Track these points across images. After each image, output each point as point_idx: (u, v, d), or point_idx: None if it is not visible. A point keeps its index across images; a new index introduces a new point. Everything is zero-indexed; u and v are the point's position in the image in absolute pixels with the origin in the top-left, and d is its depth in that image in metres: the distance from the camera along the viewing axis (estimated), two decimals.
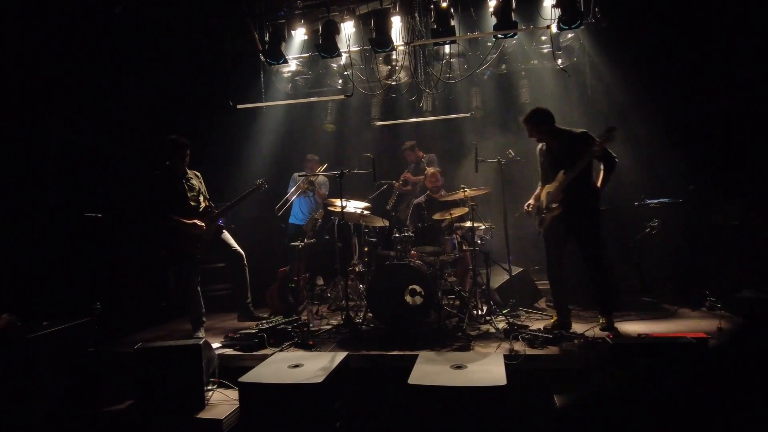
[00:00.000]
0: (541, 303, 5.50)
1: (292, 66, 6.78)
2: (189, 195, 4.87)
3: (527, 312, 5.10)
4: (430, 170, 6.06)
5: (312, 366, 3.54)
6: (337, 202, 5.21)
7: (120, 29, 5.82)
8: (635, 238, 5.46)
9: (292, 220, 6.79)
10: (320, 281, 6.82)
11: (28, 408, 3.89)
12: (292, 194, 6.50)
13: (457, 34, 5.43)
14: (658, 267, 5.50)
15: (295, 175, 6.77)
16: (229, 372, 3.87)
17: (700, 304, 4.97)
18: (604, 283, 4.29)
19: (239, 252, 5.12)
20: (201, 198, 4.98)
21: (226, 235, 5.11)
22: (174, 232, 4.76)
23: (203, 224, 4.81)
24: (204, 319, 4.94)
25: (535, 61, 6.93)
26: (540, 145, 4.58)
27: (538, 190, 4.64)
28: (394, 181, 6.80)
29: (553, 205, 4.34)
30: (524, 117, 4.47)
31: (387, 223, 5.53)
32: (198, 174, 5.09)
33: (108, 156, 6.14)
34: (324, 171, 6.40)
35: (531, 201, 4.68)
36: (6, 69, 5.05)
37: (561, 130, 4.38)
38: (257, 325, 4.61)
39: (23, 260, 5.12)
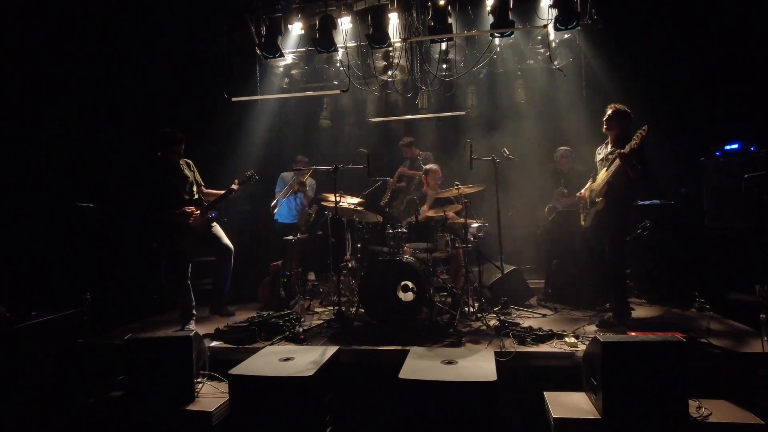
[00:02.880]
0: (532, 301, 5.53)
1: (288, 60, 6.76)
2: (181, 187, 4.85)
3: (518, 310, 5.13)
4: (432, 167, 6.06)
5: (303, 360, 3.54)
6: (331, 197, 5.20)
7: (115, 20, 5.77)
8: (626, 238, 5.50)
9: (277, 217, 6.78)
10: (312, 276, 6.81)
11: (16, 397, 3.87)
12: (285, 193, 6.51)
13: (454, 32, 5.44)
14: (648, 268, 5.55)
15: (283, 174, 6.75)
16: (219, 365, 3.85)
17: (690, 305, 5.02)
18: (620, 280, 4.50)
19: (228, 246, 5.11)
20: (194, 188, 4.97)
21: (217, 229, 5.11)
22: (164, 226, 4.74)
23: (193, 208, 4.79)
24: (194, 312, 4.92)
25: (531, 61, 6.96)
26: (603, 145, 4.73)
27: (588, 185, 4.84)
28: (388, 178, 6.80)
29: (597, 200, 4.55)
30: (618, 110, 4.51)
31: (381, 219, 5.54)
32: (189, 162, 5.05)
33: (101, 147, 6.10)
34: (317, 167, 6.38)
35: (583, 192, 4.84)
36: None
37: (627, 136, 4.45)
38: (248, 319, 4.60)
39: (13, 250, 5.08)
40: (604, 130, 4.62)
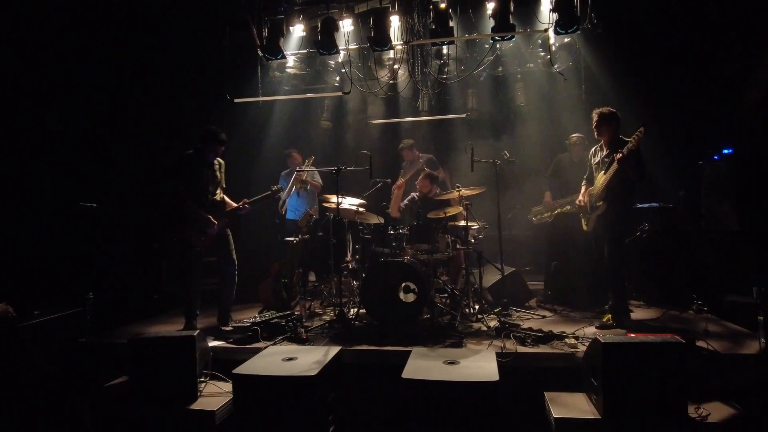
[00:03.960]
0: (532, 303, 5.57)
1: (290, 62, 6.79)
2: (210, 185, 4.87)
3: (518, 311, 5.16)
4: (425, 172, 6.08)
5: (306, 359, 3.57)
6: (333, 198, 5.23)
7: (119, 20, 5.80)
8: (625, 241, 5.54)
9: (290, 216, 6.79)
10: (312, 277, 6.83)
11: (18, 395, 3.89)
12: (288, 192, 6.51)
13: (455, 35, 5.48)
14: (646, 270, 5.60)
15: (284, 173, 6.78)
16: (222, 364, 3.88)
17: (687, 307, 5.07)
18: (619, 282, 4.56)
19: (233, 258, 5.01)
20: (219, 190, 4.99)
21: (230, 237, 5.06)
22: (181, 219, 4.73)
23: (215, 222, 4.79)
24: (198, 311, 4.94)
25: (531, 64, 7.00)
26: (594, 148, 4.85)
27: (583, 190, 4.92)
28: (388, 180, 6.79)
29: (598, 204, 4.61)
30: (603, 114, 4.57)
31: (382, 221, 5.57)
32: (222, 163, 5.04)
33: (104, 147, 6.11)
34: (320, 167, 6.41)
35: (581, 198, 4.90)
36: (1, 58, 5.02)
37: (621, 139, 4.52)
38: (251, 318, 4.63)
39: (16, 249, 5.09)
40: (595, 136, 4.72)
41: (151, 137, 6.01)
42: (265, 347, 4.08)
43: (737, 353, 3.74)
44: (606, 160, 4.58)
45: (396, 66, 6.50)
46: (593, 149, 4.89)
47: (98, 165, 5.99)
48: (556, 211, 5.90)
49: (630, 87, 6.26)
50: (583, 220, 4.92)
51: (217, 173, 4.96)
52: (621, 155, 4.24)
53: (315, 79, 7.31)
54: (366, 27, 5.65)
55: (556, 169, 6.05)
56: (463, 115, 7.40)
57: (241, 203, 5.00)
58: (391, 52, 6.34)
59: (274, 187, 5.18)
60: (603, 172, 4.57)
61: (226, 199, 5.06)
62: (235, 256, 5.01)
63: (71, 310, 4.53)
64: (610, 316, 4.56)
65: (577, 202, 4.98)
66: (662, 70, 6.21)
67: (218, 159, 4.97)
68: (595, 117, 4.61)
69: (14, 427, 3.89)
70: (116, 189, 6.01)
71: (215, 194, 4.93)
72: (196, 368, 3.65)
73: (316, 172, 6.65)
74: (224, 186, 5.08)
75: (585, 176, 4.98)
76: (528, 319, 4.95)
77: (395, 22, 5.69)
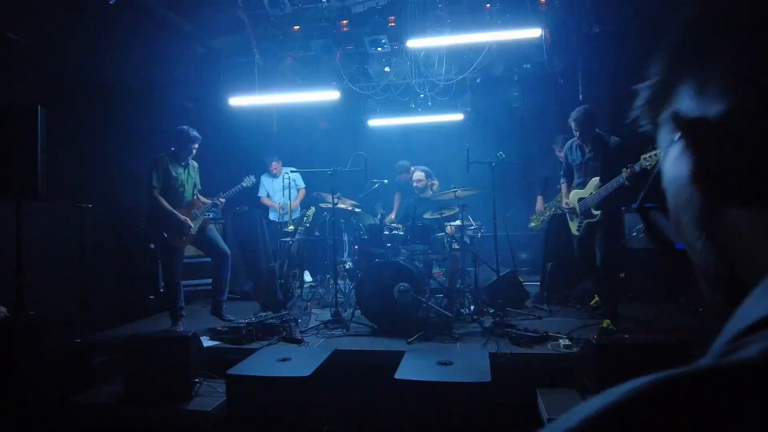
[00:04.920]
0: (528, 303, 5.57)
1: (287, 62, 6.79)
2: (185, 185, 4.91)
3: (513, 311, 5.16)
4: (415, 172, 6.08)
5: (300, 360, 3.58)
6: (329, 198, 5.25)
7: (113, 19, 5.79)
8: (621, 242, 5.54)
9: (272, 216, 6.81)
10: (308, 277, 6.84)
11: (14, 395, 3.89)
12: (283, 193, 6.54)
13: (452, 36, 5.49)
14: (642, 270, 5.61)
15: (263, 177, 6.82)
16: (216, 365, 3.88)
17: (683, 306, 5.08)
18: (613, 284, 4.54)
19: (224, 251, 5.06)
20: (193, 190, 5.00)
21: (213, 232, 5.09)
22: (158, 220, 4.77)
23: (191, 224, 4.83)
24: (183, 313, 4.95)
25: (528, 65, 7.00)
26: (569, 143, 4.68)
27: (564, 189, 4.76)
28: (385, 180, 6.78)
29: (596, 212, 4.40)
30: (578, 119, 4.41)
31: (378, 221, 5.58)
32: (196, 165, 5.09)
33: (100, 147, 6.11)
34: (317, 168, 6.40)
35: (567, 200, 4.71)
36: None
37: (599, 134, 4.44)
38: (246, 320, 4.63)
39: (11, 248, 5.08)
40: (578, 139, 4.55)
41: (147, 137, 6.01)
42: (260, 348, 4.09)
43: None
44: (595, 163, 4.42)
45: (393, 66, 6.52)
46: (569, 144, 4.69)
47: (94, 165, 5.98)
48: (548, 213, 5.92)
49: (626, 87, 6.24)
50: (571, 223, 4.72)
51: (191, 172, 4.99)
52: (631, 170, 3.97)
53: (312, 80, 7.30)
54: (363, 28, 5.67)
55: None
56: (460, 116, 7.40)
57: (216, 198, 5.04)
58: (389, 52, 6.35)
59: (246, 178, 5.30)
60: (597, 178, 4.39)
61: (201, 198, 5.09)
62: (224, 247, 5.06)
63: (67, 310, 4.53)
64: (609, 321, 4.48)
65: (563, 205, 4.82)
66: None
67: (193, 162, 5.00)
68: (574, 125, 4.42)
69: (11, 428, 3.88)
70: (113, 189, 6.00)
71: (192, 195, 4.96)
72: (191, 368, 3.65)
73: (299, 177, 6.67)
74: (200, 187, 5.11)
75: (562, 173, 4.83)
76: (523, 319, 4.95)
77: (392, 22, 5.71)
